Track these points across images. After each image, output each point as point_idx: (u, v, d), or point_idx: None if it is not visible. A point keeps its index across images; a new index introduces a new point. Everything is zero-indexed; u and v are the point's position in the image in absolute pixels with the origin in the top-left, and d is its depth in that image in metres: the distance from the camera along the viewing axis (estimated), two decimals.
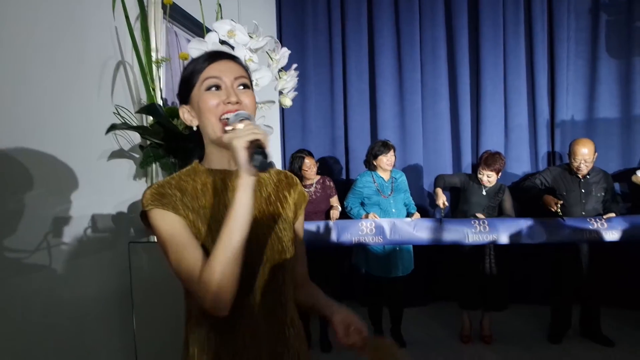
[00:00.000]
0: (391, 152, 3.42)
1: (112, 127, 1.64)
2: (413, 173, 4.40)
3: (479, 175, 3.40)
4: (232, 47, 1.49)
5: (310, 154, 3.48)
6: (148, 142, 1.81)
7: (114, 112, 1.81)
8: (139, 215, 0.99)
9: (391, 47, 4.35)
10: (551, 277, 3.57)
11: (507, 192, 3.47)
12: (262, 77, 1.45)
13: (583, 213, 3.31)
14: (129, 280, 1.77)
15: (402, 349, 3.47)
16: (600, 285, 3.41)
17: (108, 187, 1.86)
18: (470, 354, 3.37)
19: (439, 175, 3.69)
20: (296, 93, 1.60)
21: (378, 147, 3.43)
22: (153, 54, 1.84)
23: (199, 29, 2.57)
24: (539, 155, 4.28)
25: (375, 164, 3.44)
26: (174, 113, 1.63)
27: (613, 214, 3.23)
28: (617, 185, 3.90)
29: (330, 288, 3.44)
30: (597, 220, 3.19)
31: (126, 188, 1.96)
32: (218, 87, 0.98)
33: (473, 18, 4.27)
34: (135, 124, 1.84)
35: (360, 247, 3.41)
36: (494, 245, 3.29)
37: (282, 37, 4.54)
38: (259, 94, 1.63)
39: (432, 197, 4.36)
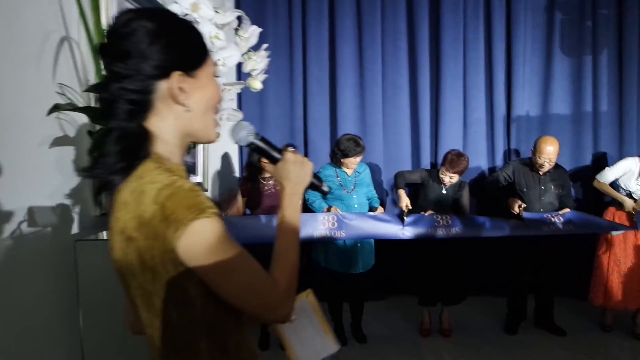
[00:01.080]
0: (361, 155, 3.30)
1: (56, 108, 1.45)
2: (373, 166, 4.35)
3: (441, 175, 3.37)
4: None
5: None
6: (97, 127, 1.62)
7: (57, 92, 1.60)
8: (176, 228, 0.74)
9: (352, 37, 4.27)
10: (508, 270, 3.63)
11: (467, 188, 3.48)
12: (229, 57, 1.31)
13: (541, 210, 3.38)
14: (75, 283, 1.58)
15: (363, 344, 3.43)
16: (554, 276, 3.50)
17: (49, 177, 1.66)
18: (430, 347, 3.38)
19: (399, 173, 3.62)
20: (266, 75, 1.47)
21: (351, 147, 3.22)
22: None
23: (150, 4, 2.36)
24: (495, 150, 4.34)
25: (342, 161, 3.31)
26: None
27: (568, 209, 3.32)
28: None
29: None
30: (554, 215, 3.27)
31: (72, 179, 1.76)
32: None
33: (434, 10, 4.26)
34: (82, 106, 1.65)
35: (320, 242, 3.32)
36: (451, 240, 3.30)
37: None
38: (225, 75, 1.49)
39: (392, 189, 4.34)
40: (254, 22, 4.21)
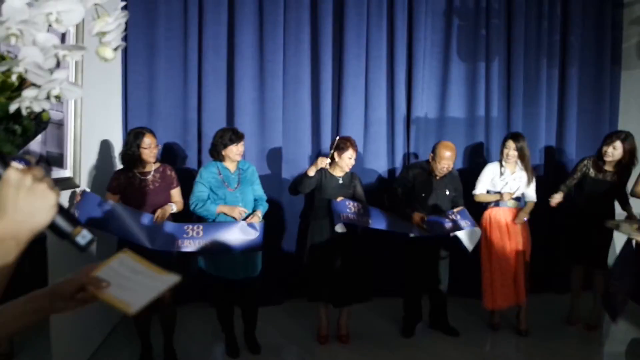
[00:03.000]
0: (241, 142, 3.08)
1: None
2: (271, 163, 4.13)
3: (348, 160, 3.22)
4: None
5: (152, 133, 2.96)
6: None
7: None
8: None
9: (252, 25, 4.00)
10: (403, 271, 3.61)
11: (359, 179, 3.45)
12: (67, 12, 0.98)
13: (437, 213, 3.39)
14: None
15: (257, 354, 3.18)
16: (446, 276, 3.53)
17: None
18: (326, 355, 3.23)
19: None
20: (123, 44, 1.16)
21: (228, 136, 3.03)
22: None
23: None
24: (395, 150, 4.32)
25: (224, 154, 3.06)
26: None
27: (462, 207, 3.41)
28: None
29: (175, 289, 3.00)
30: (450, 214, 3.35)
31: None
32: None
33: (338, 3, 4.14)
34: None
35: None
36: (351, 240, 3.21)
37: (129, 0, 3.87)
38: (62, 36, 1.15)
39: (288, 189, 4.12)
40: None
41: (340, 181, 3.31)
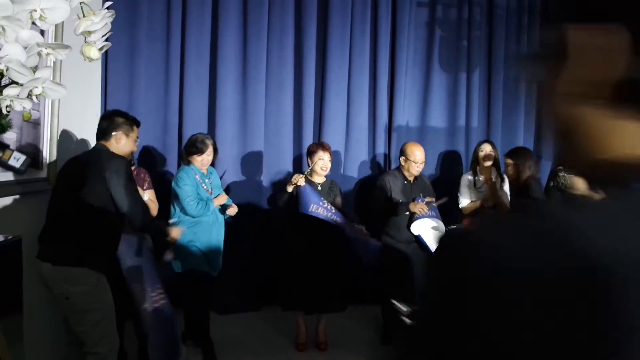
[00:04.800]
0: (207, 152, 3.06)
1: None
2: (252, 167, 4.10)
3: (319, 161, 3.24)
4: None
5: None
6: None
7: None
8: None
9: (236, 28, 3.98)
10: (381, 278, 3.62)
11: (339, 189, 3.45)
12: (51, 9, 0.96)
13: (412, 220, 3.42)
14: None
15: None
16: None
17: None
18: None
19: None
20: (109, 44, 1.14)
21: (199, 142, 3.03)
22: None
23: None
24: (376, 157, 4.35)
25: (197, 158, 3.03)
26: None
27: (433, 200, 3.44)
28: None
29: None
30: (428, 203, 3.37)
31: None
32: None
33: (322, 9, 4.16)
34: None
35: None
36: (328, 248, 3.22)
37: None
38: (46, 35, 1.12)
39: (273, 196, 4.10)
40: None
41: (319, 188, 3.31)
